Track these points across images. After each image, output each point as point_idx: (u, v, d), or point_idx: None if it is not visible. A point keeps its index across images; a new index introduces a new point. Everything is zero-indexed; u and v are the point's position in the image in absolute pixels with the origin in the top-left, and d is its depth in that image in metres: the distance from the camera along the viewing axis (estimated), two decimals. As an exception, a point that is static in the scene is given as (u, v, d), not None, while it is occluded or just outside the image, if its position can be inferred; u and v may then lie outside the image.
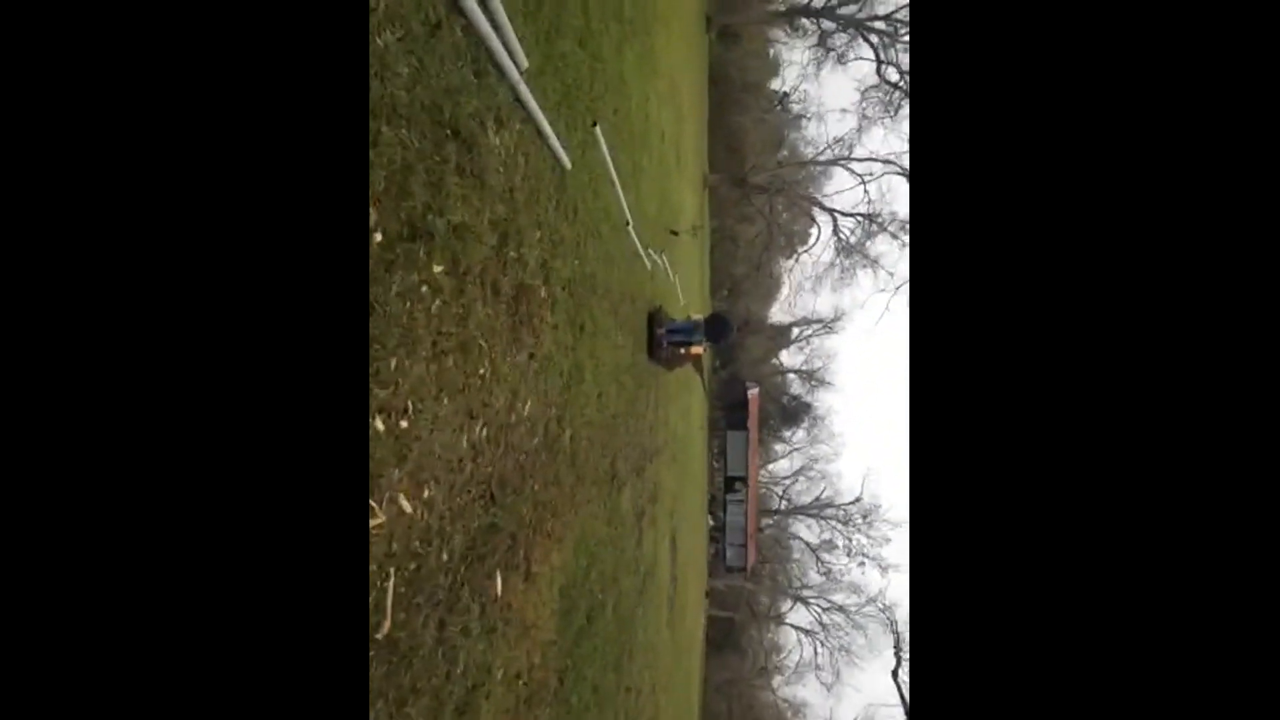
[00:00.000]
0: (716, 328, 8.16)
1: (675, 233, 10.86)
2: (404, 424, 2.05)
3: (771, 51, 38.45)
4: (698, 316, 8.39)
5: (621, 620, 6.04)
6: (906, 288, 33.97)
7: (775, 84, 39.23)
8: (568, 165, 3.91)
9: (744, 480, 37.78)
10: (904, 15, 29.72)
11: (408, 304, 2.07)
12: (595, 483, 4.97)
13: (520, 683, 3.10)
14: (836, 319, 45.62)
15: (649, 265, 7.95)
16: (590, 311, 4.65)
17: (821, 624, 43.31)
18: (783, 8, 31.86)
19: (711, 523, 35.61)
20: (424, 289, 2.18)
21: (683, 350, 8.56)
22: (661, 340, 8.02)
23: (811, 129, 36.90)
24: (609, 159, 5.06)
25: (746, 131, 34.64)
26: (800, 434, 49.38)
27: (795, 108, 38.95)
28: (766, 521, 47.28)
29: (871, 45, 30.75)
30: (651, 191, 8.48)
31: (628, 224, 5.99)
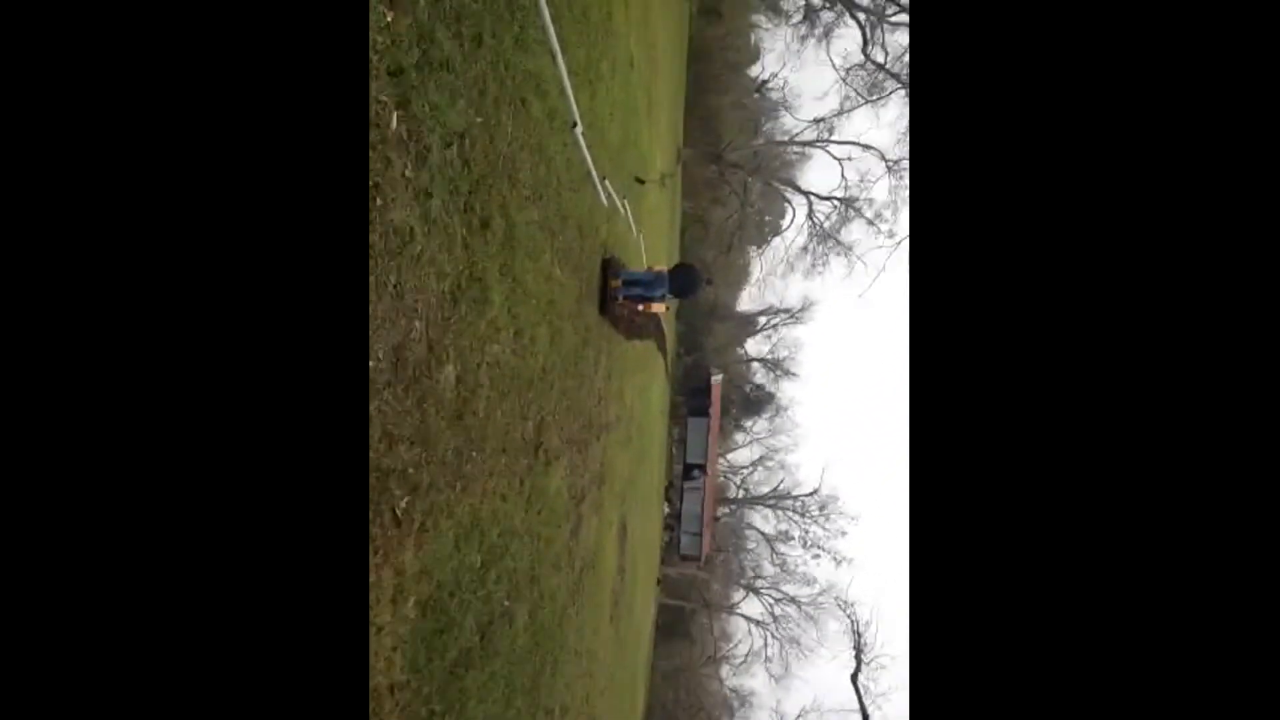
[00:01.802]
0: (683, 279, 6.87)
1: (642, 180, 9.53)
2: None
3: (753, 37, 37.37)
4: (661, 268, 7.09)
5: (542, 630, 4.77)
6: (880, 279, 33.31)
7: (755, 70, 38.19)
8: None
9: (703, 468, 36.87)
10: (893, -5, 28.70)
11: None
12: (505, 452, 3.67)
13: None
14: (804, 309, 44.95)
15: (605, 200, 6.60)
16: (504, 207, 3.32)
17: (773, 615, 42.99)
18: (769, -22, 30.50)
19: (667, 509, 34.65)
20: None
21: (641, 307, 7.26)
22: (617, 293, 6.70)
23: (789, 120, 36.00)
24: (547, 12, 3.70)
25: (724, 112, 33.43)
26: (761, 424, 48.80)
27: (774, 95, 37.97)
28: (723, 510, 46.71)
29: (859, 23, 29.67)
30: (613, 116, 7.12)
31: (574, 125, 4.64)
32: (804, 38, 32.29)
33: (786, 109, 36.79)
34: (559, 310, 4.82)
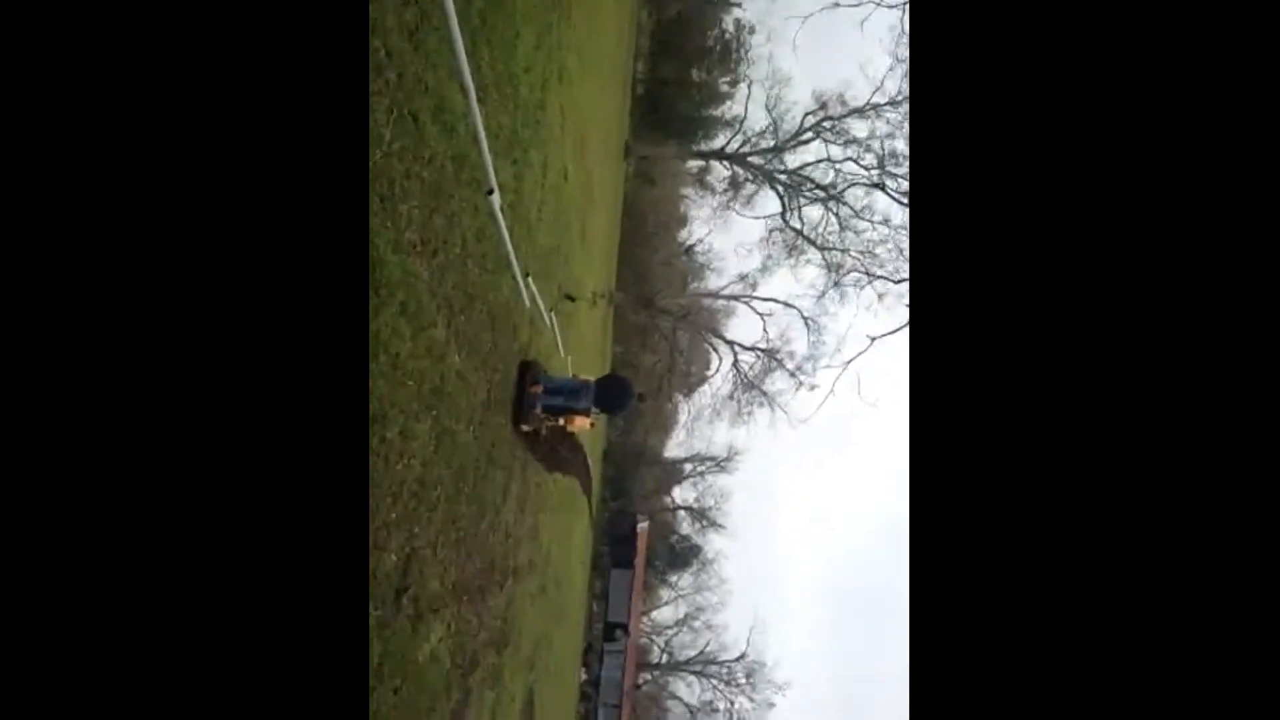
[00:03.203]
0: (612, 391, 5.97)
1: (572, 298, 8.90)
2: None
3: (682, 206, 40.39)
4: (587, 377, 6.18)
5: None
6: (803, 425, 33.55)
7: (683, 235, 40.85)
8: None
9: (625, 627, 33.83)
10: (807, 171, 31.63)
11: None
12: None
13: None
14: (730, 458, 44.56)
15: (527, 301, 5.79)
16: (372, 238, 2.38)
17: (697, 806, 37.96)
18: (702, 147, 33.27)
19: (584, 676, 31.02)
20: None
21: (562, 421, 6.24)
22: (535, 400, 5.69)
23: (714, 280, 38.11)
24: (464, 58, 3.03)
25: (654, 267, 34.89)
26: (687, 579, 46.22)
27: (700, 259, 40.35)
28: (644, 677, 42.66)
29: (778, 194, 32.27)
30: (541, 216, 6.53)
31: (490, 192, 3.90)
32: (730, 201, 34.78)
33: (711, 271, 38.87)
34: (453, 407, 3.76)
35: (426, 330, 3.15)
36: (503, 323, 5.03)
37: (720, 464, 45.13)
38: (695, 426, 40.47)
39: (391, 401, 2.76)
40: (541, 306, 6.77)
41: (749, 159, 32.80)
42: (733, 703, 40.15)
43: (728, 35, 35.99)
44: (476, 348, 4.26)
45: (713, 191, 37.34)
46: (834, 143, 29.70)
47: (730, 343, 35.03)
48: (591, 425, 6.54)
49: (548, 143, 6.45)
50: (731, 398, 35.42)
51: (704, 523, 46.06)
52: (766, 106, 31.32)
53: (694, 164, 37.08)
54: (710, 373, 37.22)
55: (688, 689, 42.88)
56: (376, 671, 2.88)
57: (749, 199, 34.33)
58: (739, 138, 33.01)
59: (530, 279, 5.80)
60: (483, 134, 3.57)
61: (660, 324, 33.09)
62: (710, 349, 36.73)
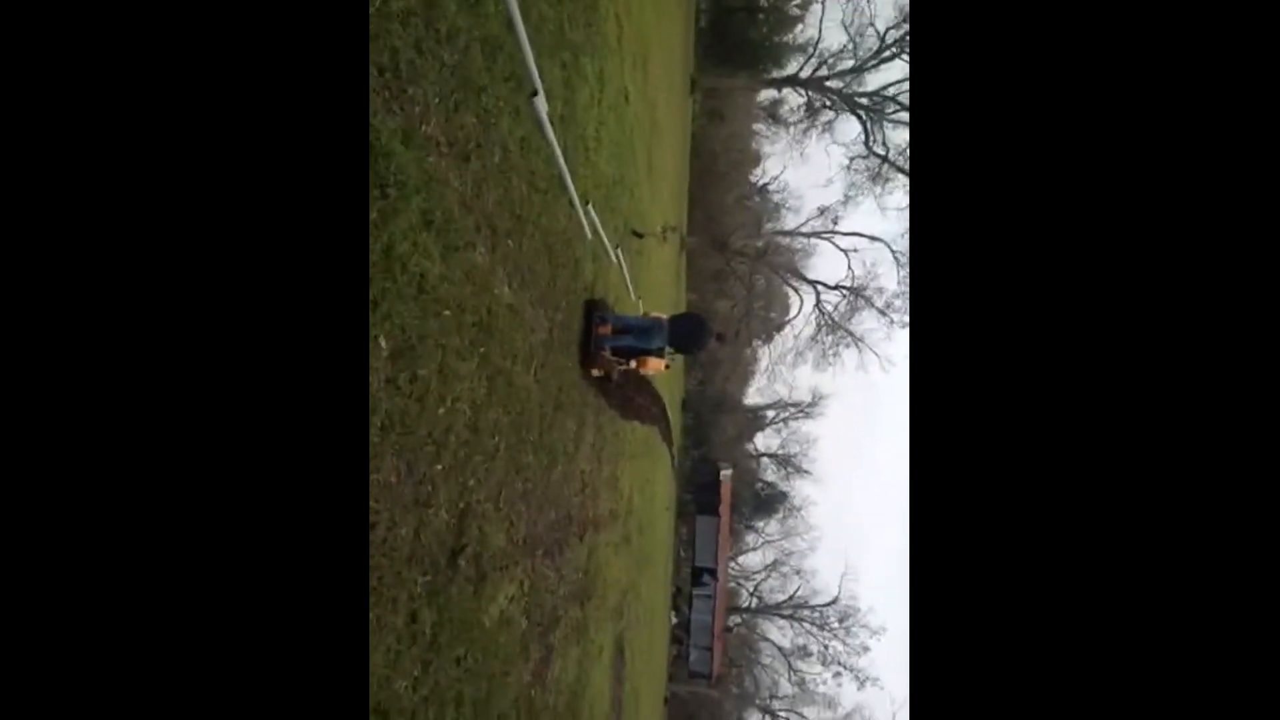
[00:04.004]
0: (687, 330, 5.40)
1: (640, 234, 8.30)
2: None
3: (754, 144, 38.36)
4: (660, 315, 5.62)
5: None
6: (907, 365, 31.97)
7: (755, 175, 38.93)
8: None
9: (713, 573, 34.02)
10: (891, 91, 29.16)
11: None
12: (385, 563, 2.05)
13: None
14: (814, 403, 43.25)
15: (589, 231, 5.25)
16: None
17: (793, 743, 38.49)
18: (773, 75, 31.21)
19: (675, 620, 31.56)
20: None
21: (634, 363, 5.74)
22: (603, 342, 5.20)
23: (791, 219, 36.21)
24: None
25: (727, 208, 33.50)
26: (774, 525, 45.86)
27: (776, 198, 38.48)
28: (735, 621, 43.12)
29: (859, 118, 29.98)
30: (600, 137, 5.92)
31: (534, 94, 3.33)
32: (806, 130, 32.67)
33: (788, 210, 37.01)
34: (506, 346, 3.31)
35: (463, 251, 2.67)
36: (562, 255, 4.52)
37: (804, 410, 43.96)
38: (777, 372, 39.34)
39: (421, 333, 2.31)
40: (606, 241, 6.22)
41: (826, 83, 30.51)
42: (826, 646, 39.99)
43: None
44: (531, 280, 3.78)
45: (786, 124, 35.26)
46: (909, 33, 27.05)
47: (812, 283, 33.45)
48: (667, 367, 6.00)
49: (603, 53, 5.77)
50: (815, 340, 34.02)
51: (789, 469, 45.32)
52: (843, 24, 28.83)
53: (765, 95, 34.98)
54: (790, 316, 35.84)
55: (780, 632, 43.06)
56: (431, 644, 2.53)
57: (827, 126, 32.12)
58: (813, 61, 30.70)
59: (591, 207, 5.25)
60: (518, 15, 2.98)
61: (735, 268, 31.94)
62: (791, 291, 35.27)
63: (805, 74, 31.02)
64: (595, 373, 5.57)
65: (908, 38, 27.10)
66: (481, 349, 2.93)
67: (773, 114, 37.05)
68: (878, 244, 31.46)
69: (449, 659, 2.71)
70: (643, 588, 13.30)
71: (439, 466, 2.56)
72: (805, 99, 32.04)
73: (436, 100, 2.38)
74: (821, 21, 30.29)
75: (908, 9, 27.08)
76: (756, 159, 39.19)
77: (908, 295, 29.65)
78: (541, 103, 3.46)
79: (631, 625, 11.03)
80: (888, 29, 27.95)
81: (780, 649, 42.71)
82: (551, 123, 3.79)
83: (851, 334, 32.90)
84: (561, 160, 4.03)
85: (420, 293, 2.29)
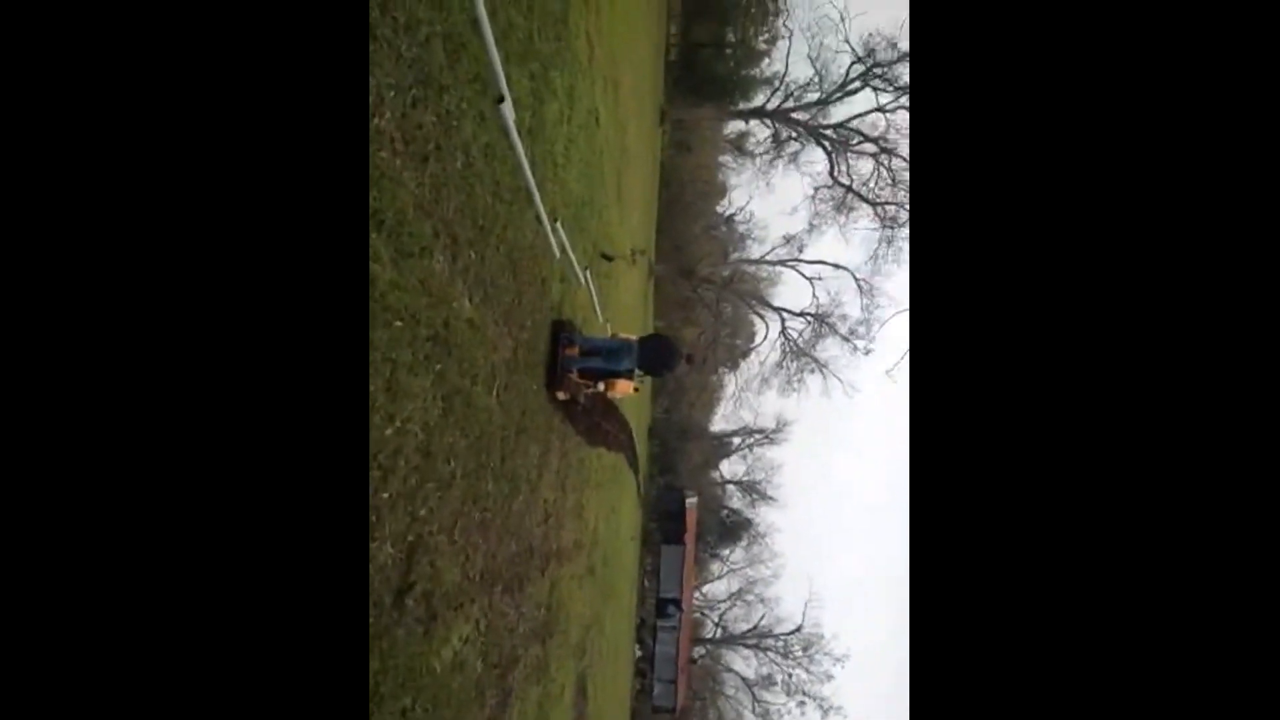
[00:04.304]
0: (656, 352, 5.22)
1: (608, 256, 8.16)
2: None
3: (720, 175, 38.95)
4: (629, 336, 5.43)
5: None
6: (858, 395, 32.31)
7: (721, 206, 39.43)
8: None
9: (678, 604, 33.50)
10: (855, 123, 29.95)
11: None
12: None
13: None
14: (779, 429, 43.42)
15: (556, 250, 5.07)
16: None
17: (757, 777, 37.77)
18: (739, 107, 31.82)
19: (639, 652, 30.86)
20: None
21: (602, 385, 5.53)
22: (569, 363, 4.98)
23: (756, 249, 36.70)
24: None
25: (695, 238, 33.76)
26: (739, 553, 45.57)
27: (741, 229, 39.01)
28: (699, 651, 42.47)
29: (825, 149, 30.67)
30: (569, 155, 5.77)
31: (500, 100, 3.16)
32: (772, 161, 33.27)
33: (753, 240, 37.47)
34: (466, 363, 3.08)
35: (418, 258, 2.45)
36: (528, 272, 4.32)
37: (769, 436, 44.04)
38: (743, 398, 39.44)
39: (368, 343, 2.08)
40: (574, 262, 6.04)
41: (792, 115, 31.18)
42: (790, 675, 39.58)
43: (763, -12, 34.15)
44: (495, 295, 3.56)
45: (752, 156, 35.89)
46: (884, 90, 27.90)
47: (777, 309, 33.77)
48: (635, 389, 5.80)
49: (573, 70, 5.65)
50: (781, 366, 34.25)
51: (754, 496, 45.23)
52: (809, 57, 29.60)
53: (732, 129, 35.64)
54: (756, 343, 36.08)
55: (744, 662, 42.52)
56: (373, 694, 2.24)
57: (793, 157, 32.74)
58: (780, 93, 31.38)
59: (560, 225, 5.07)
60: (484, 15, 2.82)
61: (703, 295, 32.09)
62: (756, 318, 35.56)
63: (772, 106, 31.69)
64: (561, 396, 5.34)
65: (872, 71, 27.95)
66: (438, 365, 2.70)
67: (739, 146, 37.71)
68: (841, 272, 31.92)
69: (393, 711, 2.42)
70: (607, 621, 12.89)
71: (385, 494, 2.30)
72: (772, 130, 32.69)
73: (392, 93, 2.18)
74: (788, 54, 31.09)
75: (870, 45, 28.00)
76: (723, 190, 39.74)
77: (875, 328, 30.17)
78: (509, 109, 3.29)
79: (595, 662, 10.62)
80: (851, 63, 28.81)
81: (744, 679, 42.15)
82: (519, 133, 3.62)
83: (816, 360, 33.22)
84: (529, 172, 3.85)
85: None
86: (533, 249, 4.41)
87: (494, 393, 3.64)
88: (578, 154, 6.10)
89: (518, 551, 4.64)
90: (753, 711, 40.32)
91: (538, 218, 4.41)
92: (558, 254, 5.14)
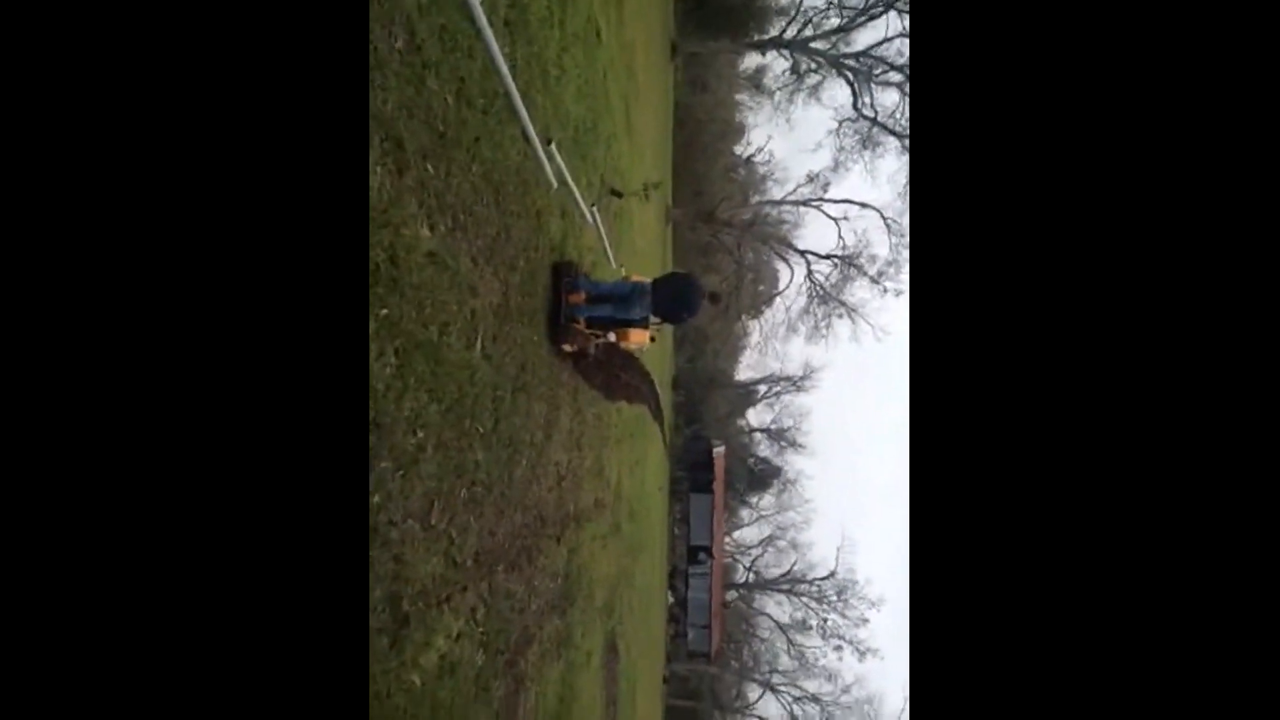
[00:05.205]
0: (674, 293, 4.54)
1: (618, 193, 7.40)
2: None
3: (738, 115, 37.15)
4: (641, 278, 4.75)
5: None
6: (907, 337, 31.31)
7: (740, 148, 37.76)
8: None
9: (708, 550, 33.57)
10: (880, 51, 28.10)
11: None
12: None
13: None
14: (807, 376, 42.61)
15: (553, 179, 4.36)
16: None
17: (793, 716, 38.46)
18: (755, 38, 29.99)
19: (671, 599, 31.13)
20: None
21: (613, 335, 4.88)
22: (575, 312, 4.34)
23: (778, 190, 35.19)
24: None
25: (713, 179, 32.44)
26: (768, 499, 45.47)
27: (762, 170, 37.43)
28: (732, 595, 42.93)
29: (847, 80, 28.90)
30: (564, 69, 4.99)
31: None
32: (792, 95, 31.53)
33: (774, 181, 35.96)
34: (426, 306, 2.45)
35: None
36: (515, 201, 3.64)
37: (796, 383, 43.32)
38: (768, 346, 38.59)
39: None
40: (578, 196, 5.33)
41: (811, 45, 29.31)
42: (824, 620, 39.82)
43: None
44: (470, 225, 2.91)
45: (770, 93, 34.10)
46: (908, 12, 25.92)
47: (802, 252, 32.51)
48: (652, 339, 5.14)
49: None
50: (807, 311, 33.22)
51: (783, 444, 44.83)
52: (827, -22, 27.56)
53: (748, 64, 33.77)
54: (781, 288, 34.98)
55: (777, 607, 42.88)
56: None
57: (814, 90, 30.95)
58: (798, 21, 29.44)
59: (555, 149, 4.36)
60: None
61: (723, 239, 30.94)
62: (781, 262, 34.37)
63: (789, 36, 29.79)
64: (568, 349, 4.72)
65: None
66: (382, 310, 2.08)
67: (756, 83, 35.84)
68: (869, 211, 30.45)
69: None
70: (637, 575, 12.61)
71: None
72: (790, 62, 30.85)
73: None
74: (805, -22, 28.99)
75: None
76: (741, 130, 38.04)
77: (907, 268, 28.92)
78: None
79: (625, 617, 10.32)
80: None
81: (778, 623, 42.57)
82: (489, 20, 2.90)
83: (844, 304, 32.11)
84: (506, 72, 3.13)
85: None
86: (520, 173, 3.72)
87: (477, 345, 3.03)
88: (575, 68, 5.31)
89: (525, 523, 4.11)
90: (788, 655, 40.80)
91: (524, 135, 3.70)
92: (554, 183, 4.45)
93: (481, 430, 3.13)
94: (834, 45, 29.45)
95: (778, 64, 32.42)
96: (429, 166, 2.43)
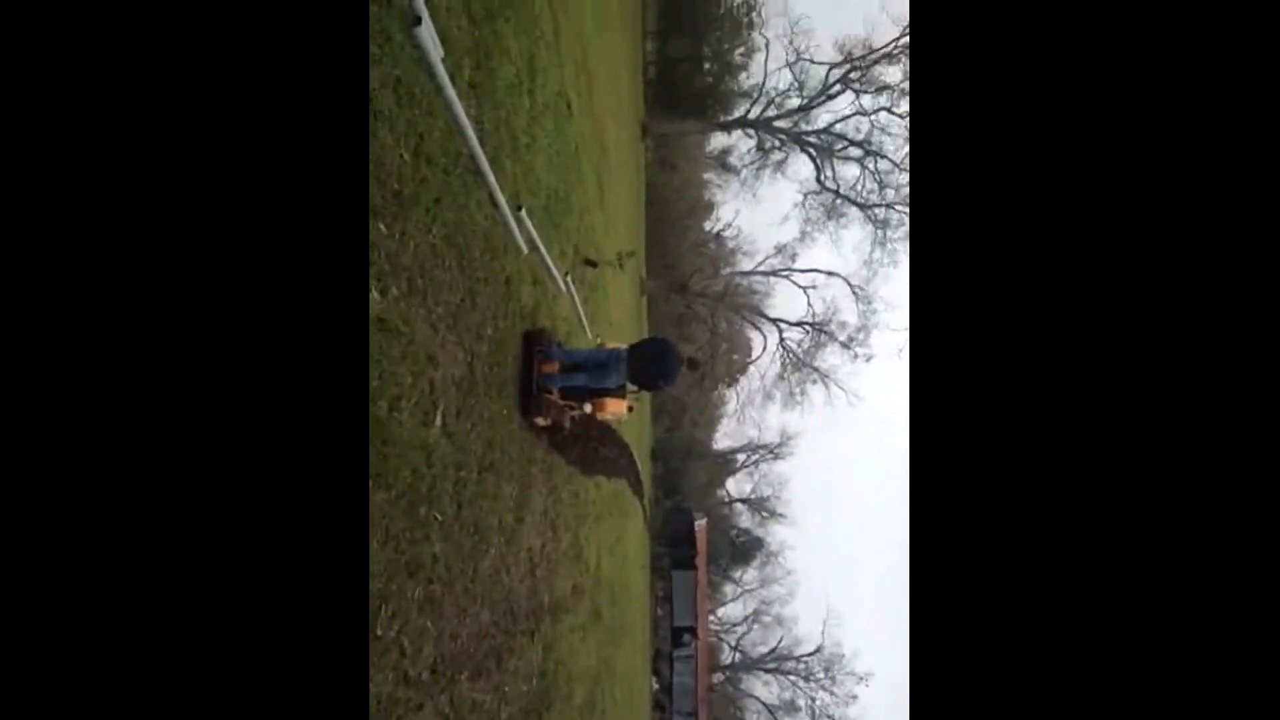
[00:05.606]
0: (651, 359, 4.29)
1: (593, 263, 7.27)
2: None
3: (705, 193, 38.45)
4: (617, 345, 4.49)
5: None
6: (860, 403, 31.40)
7: (709, 224, 38.91)
8: None
9: (693, 631, 32.15)
10: (839, 128, 29.48)
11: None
12: None
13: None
14: (784, 443, 42.35)
15: (523, 244, 4.18)
16: None
17: (788, 808, 36.08)
18: (720, 119, 31.31)
19: (656, 684, 29.48)
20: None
21: (589, 406, 4.58)
22: (548, 382, 4.06)
23: (747, 262, 36.07)
24: None
25: (684, 254, 33.12)
26: (752, 573, 44.18)
27: (731, 243, 38.45)
28: (718, 678, 40.95)
29: (810, 156, 30.14)
30: (534, 136, 4.90)
31: (418, 23, 2.29)
32: (758, 170, 32.71)
33: (743, 254, 36.85)
34: (374, 378, 2.16)
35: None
36: (482, 266, 3.42)
37: (774, 451, 42.97)
38: (745, 413, 38.45)
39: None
40: (550, 264, 5.15)
41: (774, 124, 30.68)
42: (813, 699, 38.06)
43: (737, 2, 33.82)
44: (430, 290, 2.66)
45: (736, 172, 35.37)
46: (865, 91, 27.39)
47: (774, 320, 32.95)
48: (630, 409, 4.86)
49: (531, 34, 4.81)
50: (782, 378, 33.34)
51: (763, 514, 43.99)
52: (788, 64, 29.16)
53: (715, 144, 35.16)
54: (754, 356, 35.19)
55: (765, 688, 40.97)
56: None
57: (778, 166, 32.18)
58: (761, 101, 30.90)
59: (525, 215, 4.19)
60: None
61: (697, 309, 31.26)
62: (753, 331, 34.73)
63: (754, 115, 31.18)
64: (541, 422, 4.41)
65: (851, 74, 27.50)
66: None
67: (723, 162, 37.21)
68: (835, 279, 31.18)
69: None
70: (619, 663, 11.80)
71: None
72: (755, 139, 32.18)
73: None
74: (766, 63, 30.61)
75: (845, 48, 27.57)
76: (710, 207, 39.19)
77: (873, 334, 29.38)
78: (429, 36, 2.41)
79: (608, 711, 9.53)
80: (830, 67, 28.35)
81: (766, 705, 40.59)
82: (453, 81, 2.75)
83: (817, 370, 32.33)
84: (471, 133, 2.97)
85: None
86: (488, 238, 3.51)
87: (436, 421, 2.72)
88: (545, 138, 5.24)
89: (493, 620, 3.67)
90: (777, 738, 38.69)
91: (491, 199, 3.52)
92: (525, 248, 4.25)
93: (440, 518, 2.77)
94: (796, 124, 30.87)
95: (743, 143, 33.79)
96: (380, 225, 2.20)
